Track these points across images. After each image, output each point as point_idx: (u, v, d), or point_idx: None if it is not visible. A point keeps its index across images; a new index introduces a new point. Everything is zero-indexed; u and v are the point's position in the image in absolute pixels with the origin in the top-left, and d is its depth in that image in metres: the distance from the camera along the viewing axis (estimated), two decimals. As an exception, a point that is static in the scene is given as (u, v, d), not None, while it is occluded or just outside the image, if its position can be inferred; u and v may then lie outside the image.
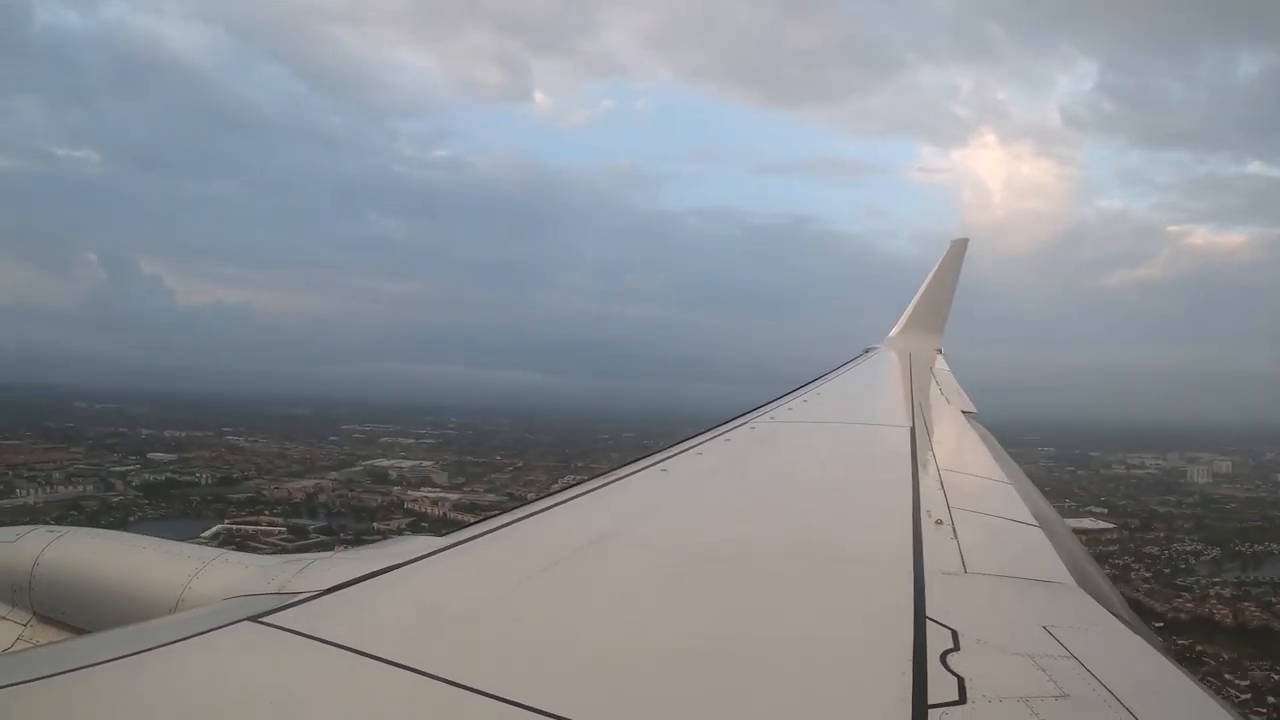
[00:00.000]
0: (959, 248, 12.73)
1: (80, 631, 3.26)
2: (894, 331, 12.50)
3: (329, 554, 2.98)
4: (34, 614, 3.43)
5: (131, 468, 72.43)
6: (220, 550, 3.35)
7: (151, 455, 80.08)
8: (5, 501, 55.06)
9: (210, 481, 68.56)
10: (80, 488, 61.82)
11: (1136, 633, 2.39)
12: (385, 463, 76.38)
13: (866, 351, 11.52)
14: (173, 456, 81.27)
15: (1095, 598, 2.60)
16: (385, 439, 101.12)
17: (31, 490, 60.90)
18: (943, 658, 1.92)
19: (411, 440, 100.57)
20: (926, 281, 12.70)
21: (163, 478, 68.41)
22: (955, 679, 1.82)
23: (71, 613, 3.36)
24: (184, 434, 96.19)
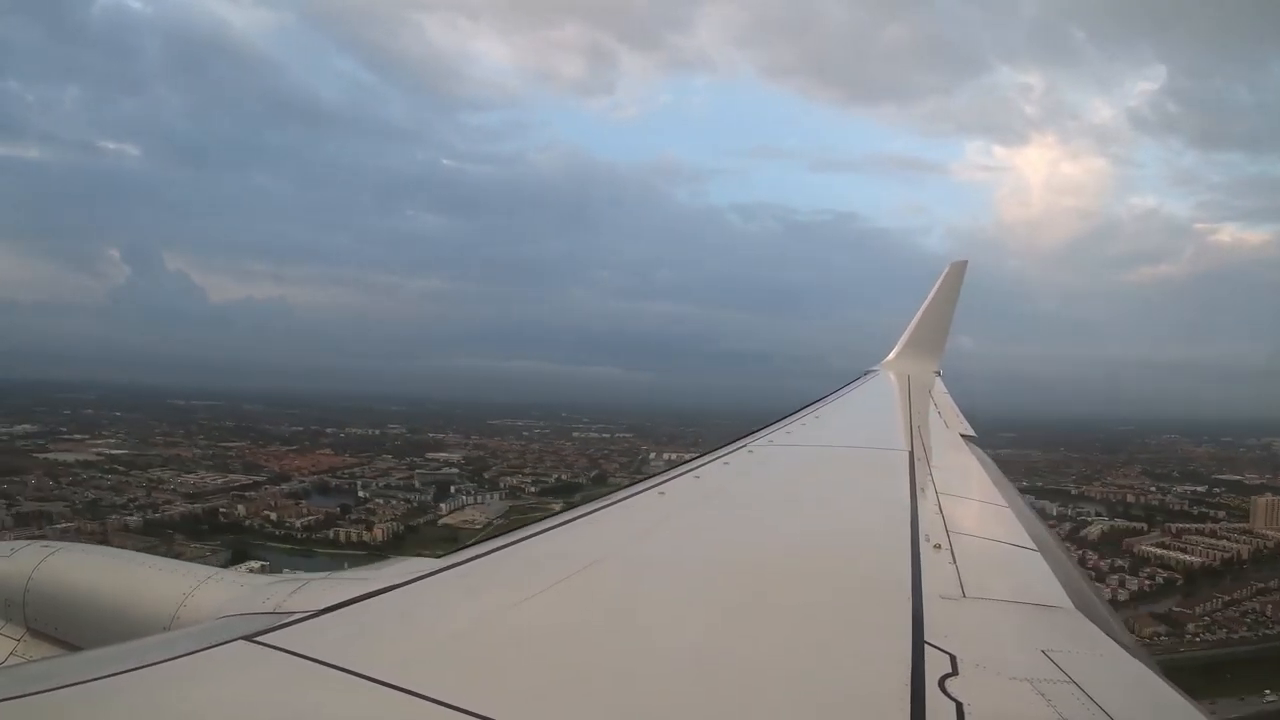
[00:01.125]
0: (958, 269, 12.74)
1: (74, 648, 3.24)
2: (892, 354, 12.50)
3: (324, 574, 2.97)
4: (28, 629, 3.41)
5: (433, 470, 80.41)
6: (215, 569, 3.34)
7: (431, 455, 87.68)
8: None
9: (559, 482, 75.04)
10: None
11: (1135, 656, 2.38)
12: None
13: (866, 374, 11.53)
14: (455, 456, 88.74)
15: (1094, 621, 2.58)
16: (577, 433, 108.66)
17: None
18: (941, 683, 1.91)
19: (607, 434, 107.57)
20: (925, 303, 12.70)
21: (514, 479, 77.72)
22: (953, 704, 1.81)
23: (65, 629, 3.34)
24: (443, 435, 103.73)
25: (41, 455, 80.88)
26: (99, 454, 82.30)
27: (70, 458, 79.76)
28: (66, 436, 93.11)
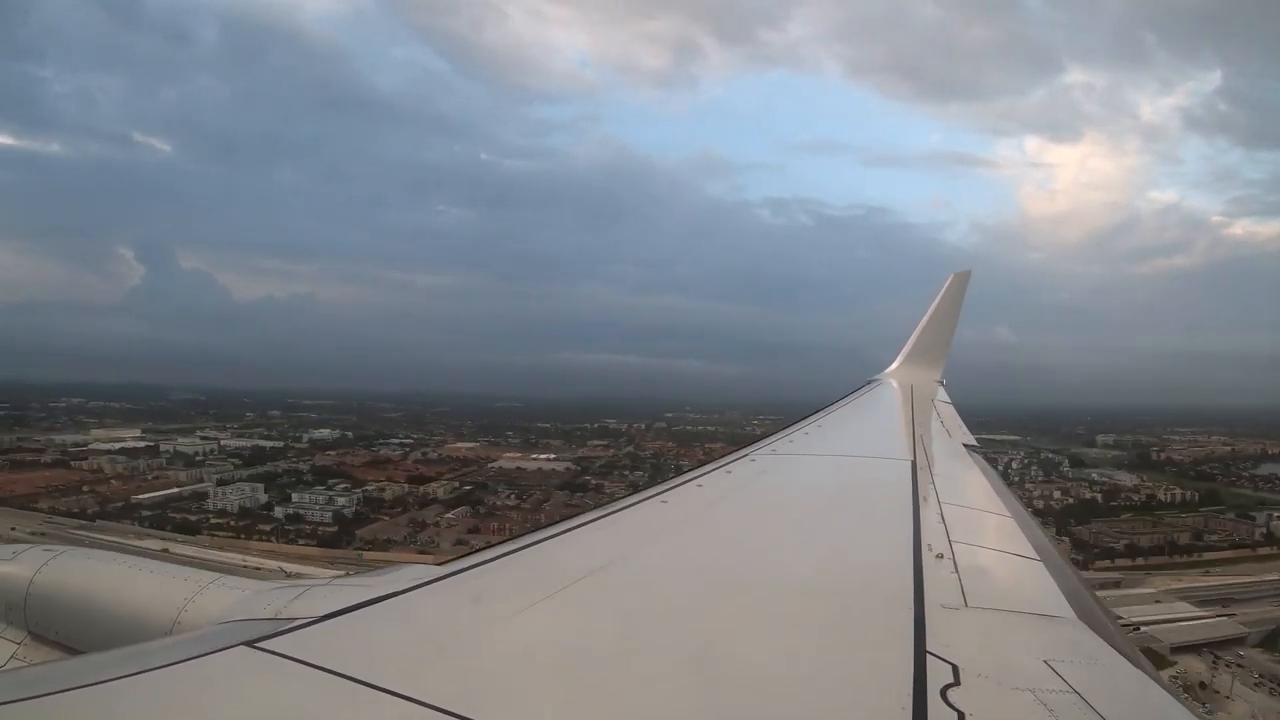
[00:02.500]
0: (961, 280, 12.75)
1: (75, 652, 3.24)
2: (895, 363, 12.51)
3: (326, 580, 2.97)
4: (29, 633, 3.41)
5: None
6: (217, 574, 3.33)
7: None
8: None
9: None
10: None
11: (1138, 666, 2.37)
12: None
13: (869, 383, 11.53)
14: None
15: (1096, 631, 2.57)
16: (752, 426, 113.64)
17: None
18: (943, 693, 1.91)
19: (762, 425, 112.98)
20: (928, 314, 12.71)
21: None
22: (955, 714, 1.80)
23: (67, 633, 3.34)
24: (632, 425, 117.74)
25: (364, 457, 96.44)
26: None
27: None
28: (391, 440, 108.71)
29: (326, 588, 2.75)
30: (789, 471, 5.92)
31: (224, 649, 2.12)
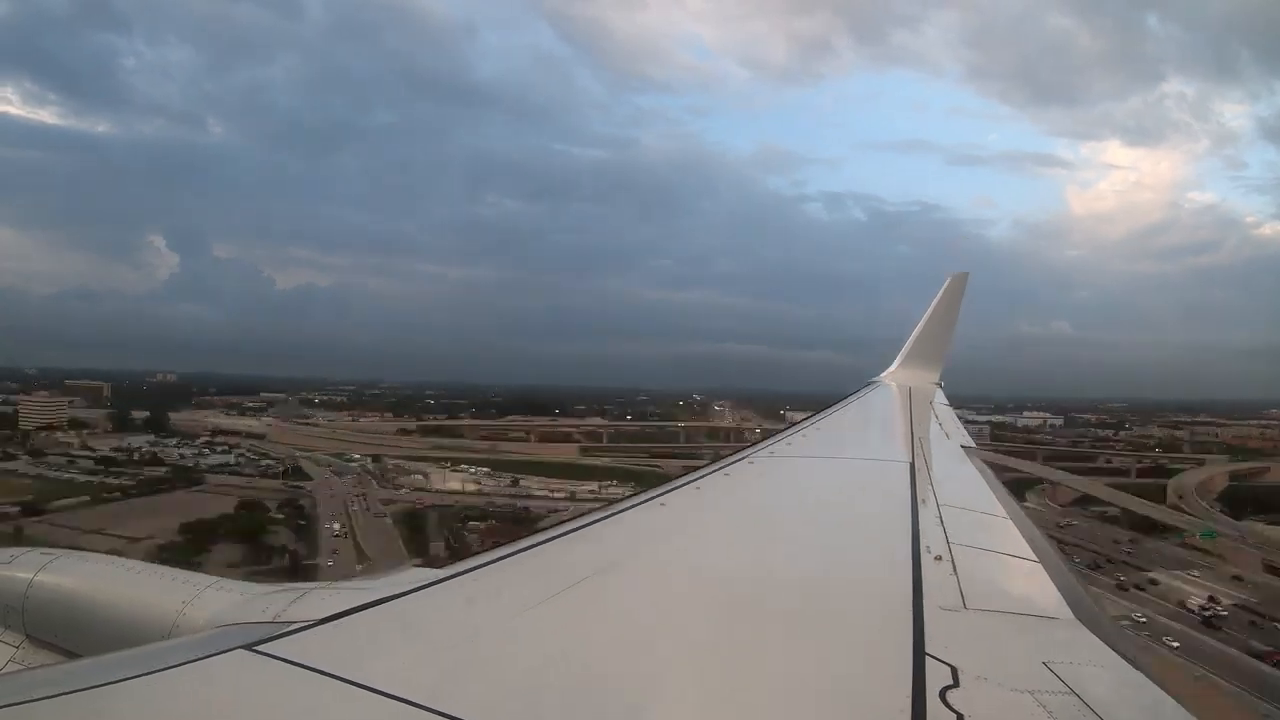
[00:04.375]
0: (959, 282, 12.75)
1: (73, 656, 3.23)
2: (894, 365, 12.51)
3: (324, 584, 2.96)
4: (27, 636, 3.40)
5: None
6: (215, 578, 3.32)
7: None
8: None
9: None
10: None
11: (1136, 667, 2.37)
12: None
13: (868, 385, 11.55)
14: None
15: (1094, 632, 2.57)
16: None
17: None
18: (942, 695, 1.91)
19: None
20: (926, 315, 12.70)
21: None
22: (955, 716, 1.80)
23: (65, 636, 3.33)
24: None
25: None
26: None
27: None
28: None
29: (325, 591, 2.74)
30: (787, 474, 5.92)
31: (223, 652, 2.12)
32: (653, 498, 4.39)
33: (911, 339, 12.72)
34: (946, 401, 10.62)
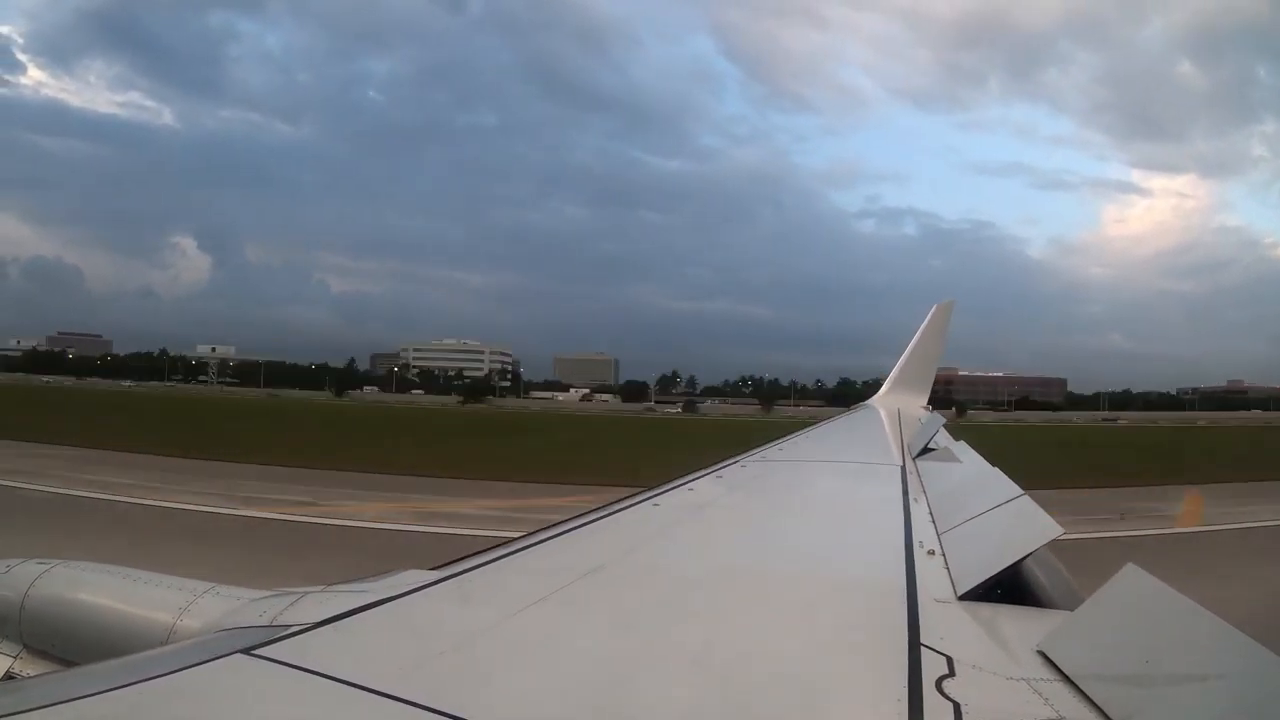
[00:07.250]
0: (944, 310, 13.01)
1: (70, 664, 3.21)
2: (882, 390, 12.78)
3: (321, 587, 2.96)
4: (24, 646, 3.38)
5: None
6: (211, 583, 3.31)
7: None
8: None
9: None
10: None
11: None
12: None
13: (856, 408, 11.77)
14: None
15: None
16: None
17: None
18: (938, 684, 1.93)
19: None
20: (913, 342, 12.98)
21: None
22: (951, 704, 1.82)
23: (62, 645, 3.31)
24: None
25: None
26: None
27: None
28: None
29: (322, 594, 2.74)
30: (781, 476, 5.96)
31: (220, 657, 2.11)
32: (646, 498, 4.40)
33: (899, 365, 13.00)
34: (939, 416, 10.79)
